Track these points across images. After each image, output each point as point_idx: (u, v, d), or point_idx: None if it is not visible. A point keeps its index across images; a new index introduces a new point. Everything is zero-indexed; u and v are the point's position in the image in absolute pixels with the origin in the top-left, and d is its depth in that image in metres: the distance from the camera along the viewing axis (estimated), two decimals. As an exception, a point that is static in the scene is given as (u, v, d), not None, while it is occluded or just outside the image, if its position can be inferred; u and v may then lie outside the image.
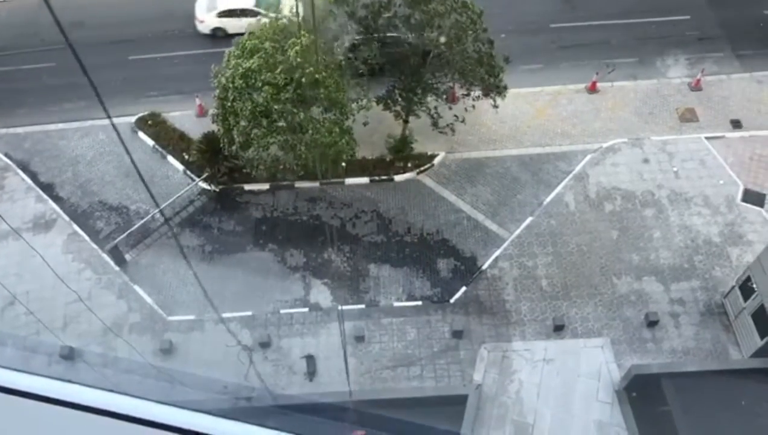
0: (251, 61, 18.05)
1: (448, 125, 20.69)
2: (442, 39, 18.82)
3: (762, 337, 17.16)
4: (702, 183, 21.36)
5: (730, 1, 25.87)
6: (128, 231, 20.34)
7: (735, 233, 20.29)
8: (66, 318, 18.79)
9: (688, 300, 19.10)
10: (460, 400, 16.86)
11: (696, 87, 23.64)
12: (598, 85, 23.70)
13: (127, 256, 20.30)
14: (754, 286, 17.37)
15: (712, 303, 18.99)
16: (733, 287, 18.43)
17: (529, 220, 20.81)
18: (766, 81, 23.79)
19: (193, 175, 21.79)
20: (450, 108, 21.16)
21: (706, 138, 22.38)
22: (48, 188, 21.80)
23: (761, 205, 20.84)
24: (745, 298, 17.77)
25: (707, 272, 19.58)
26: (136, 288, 19.73)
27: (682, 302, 19.07)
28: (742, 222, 20.51)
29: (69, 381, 2.48)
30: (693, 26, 25.29)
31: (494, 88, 19.77)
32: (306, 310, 19.33)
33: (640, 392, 16.90)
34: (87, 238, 20.68)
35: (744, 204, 20.88)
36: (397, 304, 19.38)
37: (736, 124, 22.73)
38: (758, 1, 25.61)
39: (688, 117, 23.01)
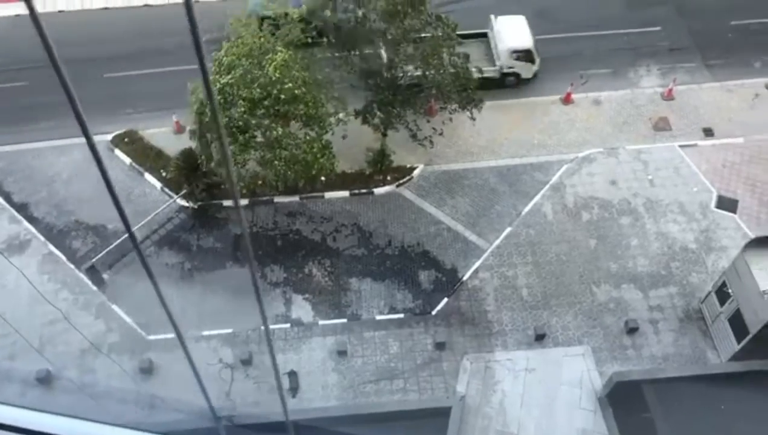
0: (228, 76, 18.05)
1: (426, 138, 20.81)
2: (418, 53, 19.00)
3: (739, 341, 17.41)
4: (676, 190, 21.70)
5: (699, 13, 26.44)
6: (106, 250, 20.10)
7: (710, 239, 20.61)
8: (42, 339, 18.47)
9: (666, 306, 19.33)
10: (444, 412, 16.84)
11: (668, 96, 24.07)
12: (573, 96, 24.03)
13: (105, 276, 20.05)
14: (730, 291, 17.63)
15: (690, 308, 19.24)
16: (709, 293, 18.69)
17: (508, 230, 20.96)
18: (735, 90, 24.30)
19: (171, 193, 21.64)
20: (428, 121, 21.31)
21: (680, 146, 22.77)
22: (22, 208, 21.51)
23: (734, 211, 21.21)
24: (722, 303, 18.02)
25: (684, 278, 19.83)
26: (115, 307, 19.47)
27: (661, 309, 19.28)
28: (716, 228, 20.84)
29: (44, 411, 2.38)
30: (664, 37, 25.80)
31: (470, 101, 19.95)
32: (287, 325, 19.22)
33: (622, 399, 17.02)
34: (63, 257, 20.41)
35: (718, 210, 21.24)
36: (379, 317, 19.35)
37: (708, 133, 23.16)
38: (726, 13, 26.18)
39: (662, 126, 23.40)
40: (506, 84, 23.88)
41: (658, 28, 26.00)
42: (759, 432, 15.72)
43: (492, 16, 23.99)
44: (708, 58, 25.20)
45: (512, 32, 23.54)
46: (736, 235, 20.56)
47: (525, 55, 23.50)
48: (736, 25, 26.08)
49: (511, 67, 23.63)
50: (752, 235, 19.47)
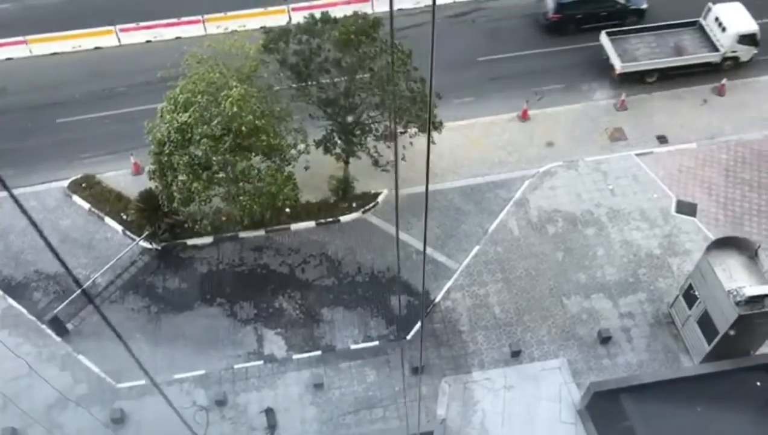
0: (186, 114, 17.88)
1: (388, 163, 20.88)
2: (375, 80, 19.14)
3: (709, 342, 17.69)
4: (637, 198, 22.13)
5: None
6: (68, 299, 19.53)
7: (673, 244, 21.01)
8: (5, 397, 17.74)
9: (636, 313, 19.56)
10: (427, 438, 16.64)
11: (621, 107, 24.67)
12: (529, 112, 24.45)
13: (69, 326, 19.46)
14: (697, 293, 17.95)
15: (660, 313, 19.50)
16: (677, 296, 19.00)
17: (476, 249, 21.05)
18: (685, 96, 25.04)
19: (133, 235, 21.22)
20: (389, 146, 21.39)
21: (636, 155, 23.29)
22: (-22, 262, 20.81)
23: (694, 215, 21.69)
24: (690, 305, 18.33)
25: (651, 284, 20.13)
26: (81, 358, 18.88)
27: (632, 316, 19.51)
28: (678, 232, 21.27)
29: None
30: (612, 50, 26.47)
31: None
32: (260, 362, 18.86)
33: (601, 409, 17.07)
34: (24, 310, 19.78)
35: (678, 215, 21.70)
36: (354, 346, 19.14)
37: (662, 140, 23.76)
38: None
39: (617, 136, 23.93)
40: (723, 68, 25.31)
41: (605, 42, 26.70)
42: (733, 430, 15.90)
43: (710, 4, 25.52)
44: (656, 68, 25.95)
45: (737, 18, 25.13)
46: (698, 237, 21.01)
47: (750, 39, 24.91)
48: (680, 34, 26.92)
49: (734, 51, 25.15)
50: (713, 237, 19.93)
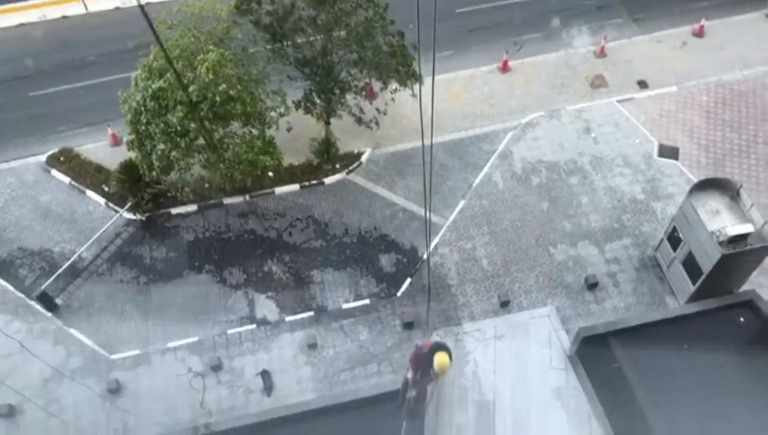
0: (161, 81, 17.52)
1: (372, 119, 20.72)
2: (352, 37, 18.82)
3: (694, 283, 18.02)
4: (619, 144, 22.20)
5: (621, -31, 26.95)
6: (55, 274, 19.42)
7: (656, 188, 21.19)
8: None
9: (622, 258, 19.82)
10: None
11: (601, 54, 24.53)
12: (510, 63, 24.25)
13: (58, 300, 19.39)
14: (681, 235, 18.19)
15: (645, 257, 19.78)
16: (662, 240, 19.25)
17: (461, 203, 21.10)
18: (664, 40, 24.94)
19: (116, 207, 21.01)
20: (370, 103, 21.21)
21: (617, 101, 23.28)
22: (-40, 242, 20.58)
23: (676, 158, 21.84)
24: (674, 248, 18.59)
25: (636, 229, 20.36)
26: (73, 331, 18.88)
27: (617, 261, 19.77)
28: (661, 176, 21.44)
29: None
30: (590, -4, 26.25)
31: (410, 76, 19.89)
32: (253, 326, 18.98)
33: (591, 354, 17.41)
34: (11, 287, 19.64)
35: (661, 159, 21.84)
36: (345, 305, 19.28)
37: (643, 85, 23.74)
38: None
39: (598, 83, 23.86)
40: None
41: (583, -12, 26.43)
42: (719, 365, 16.30)
43: None
44: (634, 13, 25.77)
45: None
46: (680, 180, 21.19)
47: None
48: (657, -23, 26.70)
49: None
50: (695, 180, 20.11)
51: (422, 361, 13.09)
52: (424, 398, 15.13)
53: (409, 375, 13.43)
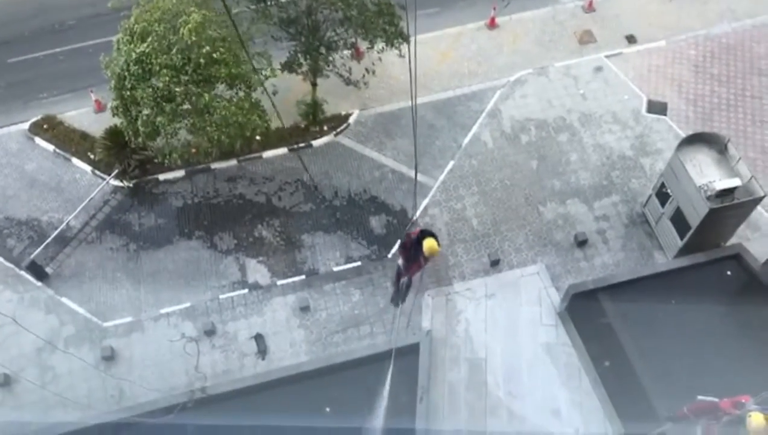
0: (144, 45, 17.16)
1: (360, 79, 20.47)
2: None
3: (682, 238, 18.18)
4: (608, 101, 22.11)
5: None
6: (44, 243, 19.30)
7: (645, 144, 21.20)
8: (-7, 345, 17.82)
9: (611, 215, 19.93)
10: (414, 349, 17.15)
11: (589, 9, 24.24)
12: (497, 20, 23.93)
13: (48, 269, 19.32)
14: (669, 191, 18.28)
15: (634, 214, 19.90)
16: (650, 196, 19.35)
17: (451, 164, 21.04)
18: (652, -7, 24.64)
19: (102, 174, 20.79)
20: (358, 63, 20.92)
21: (606, 57, 23.08)
22: (-55, 213, 20.36)
23: (664, 114, 21.80)
24: (662, 203, 18.70)
25: (625, 185, 20.43)
26: (64, 300, 18.86)
27: (606, 218, 19.88)
28: (650, 132, 21.43)
29: None
30: (577, -51, 25.75)
31: (397, 36, 19.60)
32: (245, 291, 19.04)
33: (580, 310, 17.66)
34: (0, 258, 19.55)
35: (649, 115, 21.79)
36: (336, 268, 19.34)
37: (631, 40, 23.53)
38: None
39: (586, 39, 23.62)
40: None
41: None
42: (706, 318, 16.59)
43: None
44: (622, -35, 25.35)
45: None
46: (669, 136, 21.20)
47: None
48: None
49: None
50: (683, 135, 20.12)
51: (411, 249, 13.93)
52: (413, 284, 15.99)
53: (400, 262, 14.43)
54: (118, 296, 18.96)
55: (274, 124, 19.42)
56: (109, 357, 17.85)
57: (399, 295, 15.68)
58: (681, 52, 23.17)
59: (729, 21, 23.85)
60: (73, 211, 20.06)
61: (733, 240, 18.41)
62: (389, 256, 19.47)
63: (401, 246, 14.77)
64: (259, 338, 18.12)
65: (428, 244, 13.52)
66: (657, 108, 21.93)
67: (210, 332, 18.22)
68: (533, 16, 24.22)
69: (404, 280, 15.09)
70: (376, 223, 20.12)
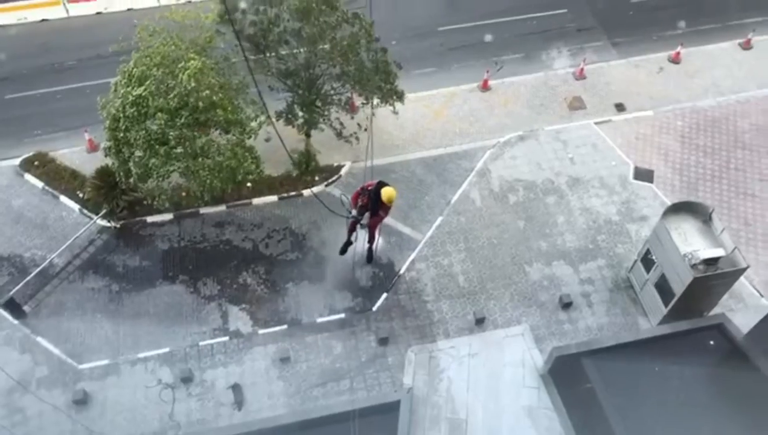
0: (141, 88, 17.38)
1: (352, 134, 20.75)
2: (336, 51, 18.86)
3: (666, 305, 18.22)
4: (596, 166, 22.48)
5: (601, -6, 27.55)
6: (24, 280, 19.04)
7: (631, 210, 21.47)
8: (-37, 383, 17.34)
9: (596, 278, 20.00)
10: (394, 407, 16.85)
11: (580, 76, 24.91)
12: (490, 82, 24.51)
13: (26, 308, 18.99)
14: (654, 257, 18.42)
15: (619, 278, 19.98)
16: (635, 261, 19.47)
17: (439, 219, 21.17)
18: (641, 65, 25.40)
19: (90, 214, 20.72)
20: (351, 117, 21.25)
21: (595, 123, 23.61)
22: (-73, 246, 20.10)
23: (651, 181, 22.17)
24: (647, 269, 18.81)
25: (611, 250, 20.58)
26: (40, 340, 18.47)
27: (591, 281, 19.94)
28: (636, 199, 21.73)
29: None
30: (570, 19, 26.69)
31: (392, 94, 20.00)
32: (226, 338, 18.76)
33: (564, 373, 17.50)
34: (-23, 294, 19.23)
35: (636, 181, 22.15)
36: (320, 319, 19.16)
37: (620, 107, 24.12)
38: (626, -8, 27.40)
39: (576, 105, 24.19)
40: None
41: (564, 11, 26.86)
42: (689, 386, 16.49)
43: None
44: (613, 37, 26.24)
45: None
46: (655, 203, 21.50)
47: None
48: (637, 3, 27.27)
49: None
50: (669, 202, 20.42)
51: (369, 203, 15.13)
52: (374, 238, 17.43)
53: (354, 212, 15.62)
54: (96, 338, 18.61)
55: (266, 171, 19.56)
56: (82, 401, 17.38)
57: (348, 247, 16.91)
58: (668, 123, 23.76)
59: (714, 95, 24.57)
60: (57, 250, 19.88)
61: (716, 310, 18.48)
62: (374, 309, 19.35)
63: (355, 195, 15.86)
64: (236, 388, 17.76)
65: (387, 192, 14.67)
66: (644, 175, 22.32)
67: (187, 379, 17.85)
68: (525, 81, 24.85)
69: (365, 235, 16.11)
70: (362, 274, 20.04)
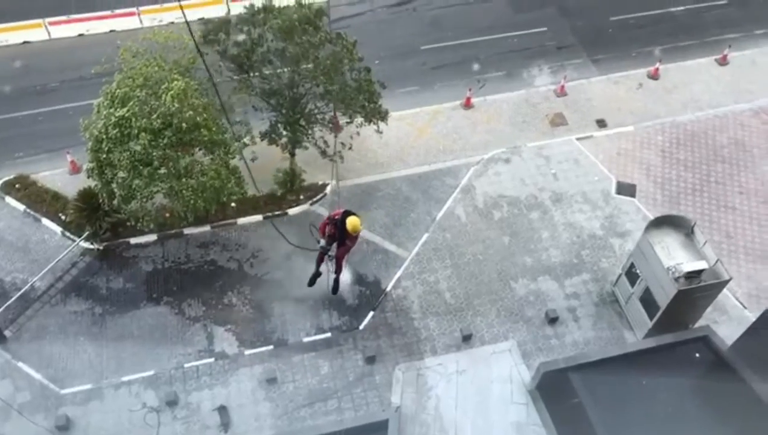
0: (124, 109, 17.32)
1: (336, 153, 20.76)
2: (319, 70, 18.95)
3: (651, 318, 18.33)
4: (579, 181, 22.68)
5: (580, 12, 27.95)
6: (5, 305, 18.76)
7: (615, 224, 21.64)
8: (-58, 410, 16.99)
9: (581, 293, 20.09)
10: (382, 426, 16.72)
11: (561, 93, 25.20)
12: (473, 100, 24.73)
13: (7, 332, 18.69)
14: (638, 271, 18.55)
15: (604, 293, 20.08)
16: (620, 275, 19.59)
17: (425, 236, 21.20)
18: (621, 81, 25.76)
19: (72, 236, 20.51)
20: (335, 136, 21.27)
21: (577, 139, 23.85)
22: None
23: (633, 196, 22.39)
24: (632, 283, 18.93)
25: (595, 265, 20.70)
26: (21, 365, 18.17)
27: (577, 296, 20.02)
28: (619, 213, 21.92)
29: None
30: (550, 37, 27.06)
31: (376, 114, 20.10)
32: (212, 359, 18.57)
33: (551, 388, 17.50)
34: (-43, 319, 18.92)
35: (618, 196, 22.36)
36: (306, 339, 19.03)
37: (601, 123, 24.41)
38: (606, 10, 27.82)
39: (558, 121, 24.45)
40: None
41: (544, 29, 27.23)
42: (676, 398, 16.55)
43: None
44: (592, 54, 26.63)
45: None
46: (638, 217, 21.70)
47: None
48: (616, 20, 27.71)
49: None
50: (651, 216, 20.62)
51: (336, 233, 15.01)
52: (340, 269, 17.54)
53: (323, 242, 15.62)
54: (79, 362, 18.34)
55: (250, 191, 19.52)
56: (64, 427, 17.08)
57: (317, 278, 16.86)
58: (649, 138, 24.06)
59: (693, 110, 24.95)
60: (38, 273, 19.64)
61: (701, 322, 18.61)
62: (360, 327, 19.26)
63: (322, 225, 15.74)
64: (222, 411, 17.54)
65: (351, 222, 14.48)
66: (626, 190, 22.54)
67: (172, 403, 17.61)
68: (507, 98, 25.10)
69: (332, 265, 15.99)
70: (349, 293, 19.97)
